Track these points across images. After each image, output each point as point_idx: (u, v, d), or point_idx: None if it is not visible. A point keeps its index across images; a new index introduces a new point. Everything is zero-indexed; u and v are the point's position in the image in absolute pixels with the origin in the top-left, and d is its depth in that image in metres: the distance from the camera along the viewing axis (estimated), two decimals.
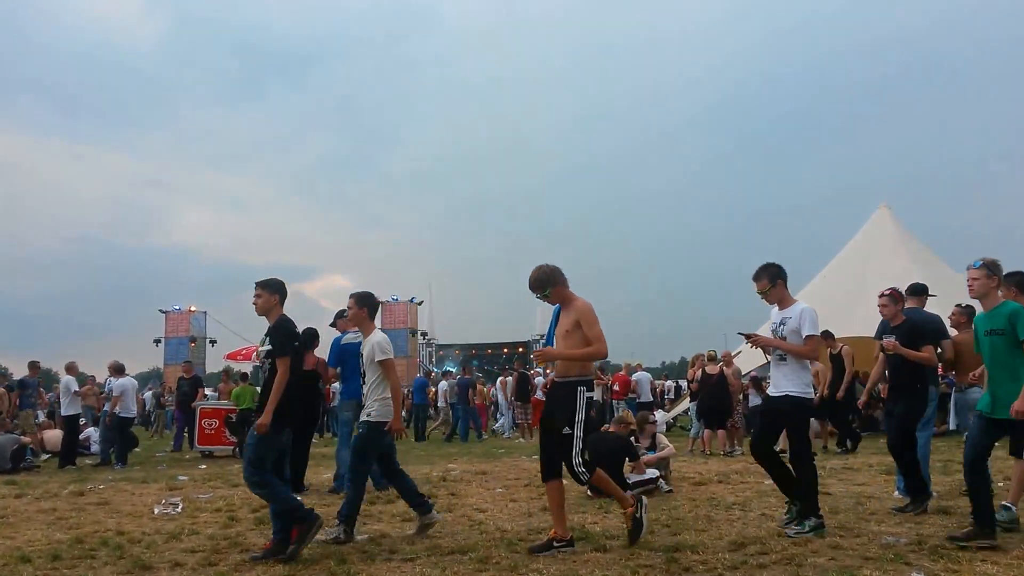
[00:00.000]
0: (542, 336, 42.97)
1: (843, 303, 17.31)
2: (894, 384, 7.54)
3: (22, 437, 13.94)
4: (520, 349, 39.89)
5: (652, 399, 19.13)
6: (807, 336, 6.22)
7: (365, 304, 6.81)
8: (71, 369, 14.89)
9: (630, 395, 19.06)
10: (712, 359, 14.40)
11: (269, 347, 6.03)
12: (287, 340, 6.00)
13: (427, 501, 6.70)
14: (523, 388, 20.76)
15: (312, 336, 10.11)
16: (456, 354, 42.16)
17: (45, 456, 14.85)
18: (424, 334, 40.76)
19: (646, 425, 9.70)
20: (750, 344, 6.63)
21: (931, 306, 8.49)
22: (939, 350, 8.08)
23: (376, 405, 6.45)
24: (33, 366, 16.73)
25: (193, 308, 38.11)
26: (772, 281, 6.46)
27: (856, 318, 15.02)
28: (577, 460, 5.82)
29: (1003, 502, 6.22)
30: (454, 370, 26.01)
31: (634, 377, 19.53)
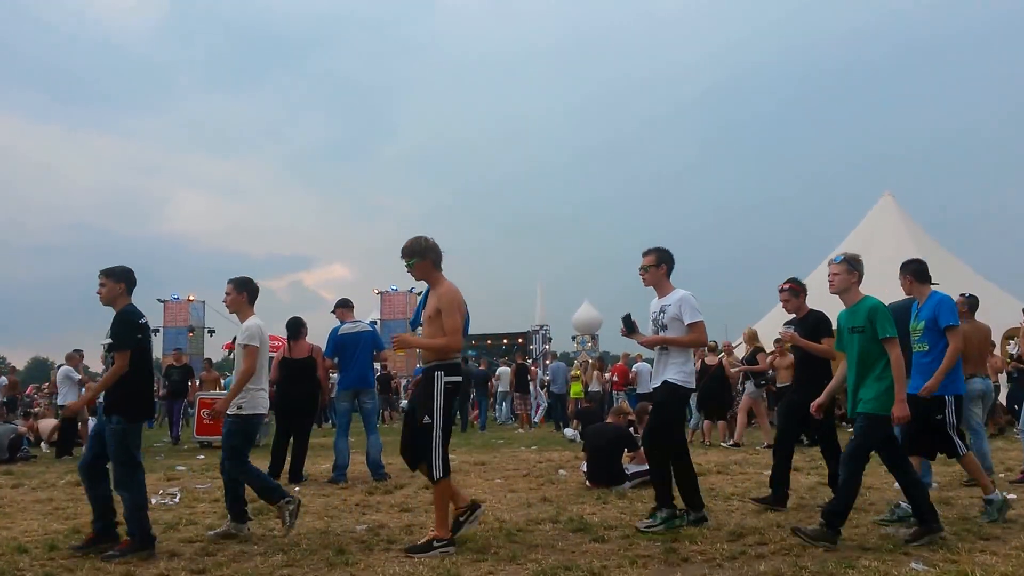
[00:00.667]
0: (542, 326, 42.56)
1: None
2: (798, 377, 7.42)
3: (19, 427, 13.95)
4: (520, 340, 39.84)
5: (650, 390, 19.11)
6: (691, 323, 6.12)
7: (244, 289, 6.56)
8: (71, 359, 14.83)
9: (628, 386, 19.08)
10: (712, 350, 14.37)
11: (110, 340, 5.89)
12: (130, 332, 5.74)
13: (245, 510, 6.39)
14: (522, 379, 20.84)
15: (296, 325, 10.09)
16: None
17: (45, 448, 14.82)
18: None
19: (645, 416, 9.67)
20: (643, 342, 6.49)
21: None
22: None
23: (247, 396, 6.26)
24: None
25: (192, 297, 37.98)
26: (658, 262, 6.33)
27: None
28: (437, 453, 5.48)
29: (984, 496, 6.21)
30: None
31: (634, 368, 19.53)
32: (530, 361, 24.92)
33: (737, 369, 14.70)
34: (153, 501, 7.93)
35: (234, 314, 6.63)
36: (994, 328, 10.33)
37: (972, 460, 6.37)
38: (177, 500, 7.99)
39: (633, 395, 18.28)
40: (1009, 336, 13.08)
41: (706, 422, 13.99)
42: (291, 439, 9.70)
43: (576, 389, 20.18)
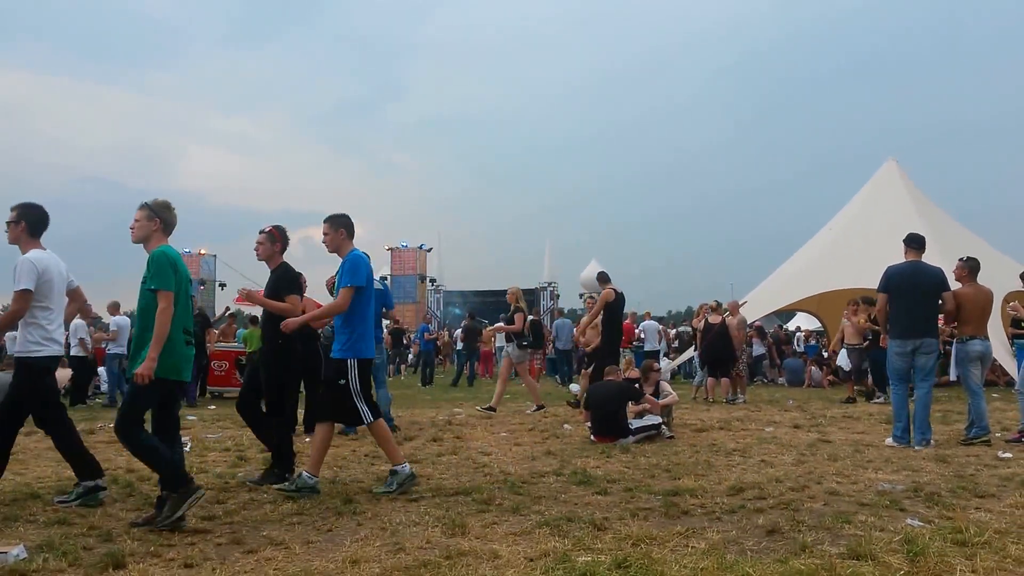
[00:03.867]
0: (550, 283, 42.65)
1: (849, 254, 17.34)
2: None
3: None
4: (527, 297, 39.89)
5: (658, 348, 19.29)
6: (14, 290, 5.50)
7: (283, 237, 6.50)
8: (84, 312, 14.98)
9: (635, 343, 19.26)
10: (714, 309, 14.48)
11: None
12: None
13: None
14: (536, 334, 21.00)
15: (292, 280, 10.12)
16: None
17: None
18: (432, 280, 40.84)
19: (650, 373, 9.78)
20: None
21: (934, 258, 8.52)
22: (940, 302, 8.13)
23: None
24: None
25: (203, 251, 38.23)
26: (17, 219, 5.74)
27: (862, 269, 15.02)
28: None
29: (392, 465, 6.04)
30: (431, 323, 26.03)
31: (641, 326, 19.69)
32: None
33: (491, 328, 14.84)
34: None
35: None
36: (998, 292, 10.36)
37: (380, 428, 6.05)
38: (188, 449, 8.14)
39: (640, 352, 18.44)
40: (1009, 300, 13.05)
41: (709, 379, 14.12)
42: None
43: None
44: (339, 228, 6.08)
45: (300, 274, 10.15)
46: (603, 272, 12.09)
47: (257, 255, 6.44)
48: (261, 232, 6.56)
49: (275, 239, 6.55)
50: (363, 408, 5.95)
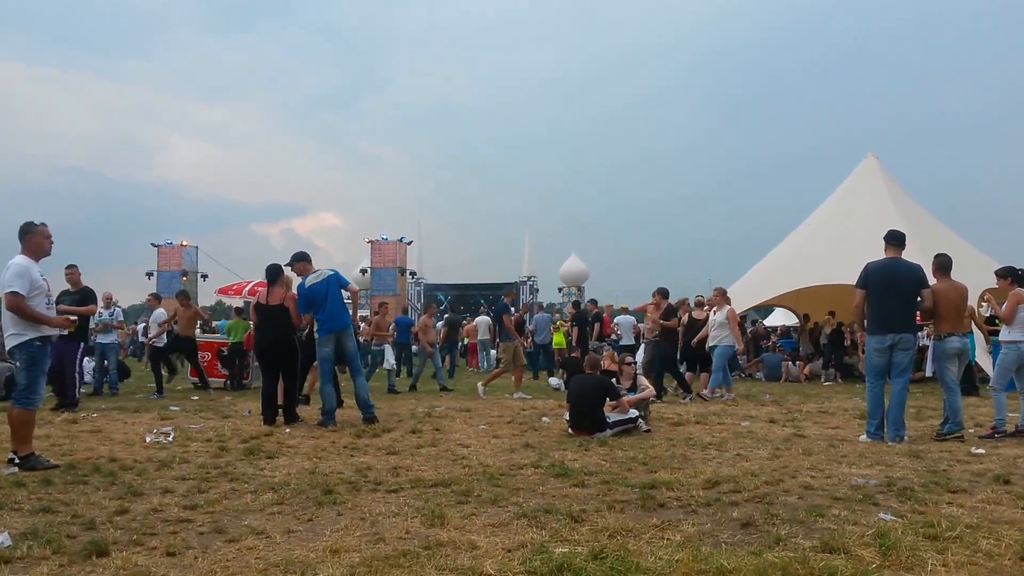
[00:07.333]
0: (529, 278, 42.60)
1: (828, 249, 17.50)
2: None
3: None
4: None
5: (633, 342, 19.42)
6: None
7: None
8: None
9: (613, 336, 19.42)
10: (699, 305, 14.57)
11: None
12: None
13: None
14: (520, 328, 21.19)
15: (273, 271, 10.06)
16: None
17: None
18: (413, 273, 40.77)
19: (624, 367, 9.86)
20: None
21: (912, 255, 8.64)
22: (919, 299, 8.24)
23: None
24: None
25: (185, 242, 38.09)
26: None
27: (841, 264, 15.17)
28: None
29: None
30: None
31: (616, 320, 19.81)
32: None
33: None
34: (148, 440, 8.13)
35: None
36: (974, 288, 10.52)
37: None
38: (171, 439, 8.16)
39: (617, 346, 18.54)
40: (983, 298, 13.23)
41: (688, 373, 14.21)
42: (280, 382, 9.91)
43: (558, 340, 20.41)
44: None
45: (279, 265, 10.23)
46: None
47: None
48: None
49: None
50: None
